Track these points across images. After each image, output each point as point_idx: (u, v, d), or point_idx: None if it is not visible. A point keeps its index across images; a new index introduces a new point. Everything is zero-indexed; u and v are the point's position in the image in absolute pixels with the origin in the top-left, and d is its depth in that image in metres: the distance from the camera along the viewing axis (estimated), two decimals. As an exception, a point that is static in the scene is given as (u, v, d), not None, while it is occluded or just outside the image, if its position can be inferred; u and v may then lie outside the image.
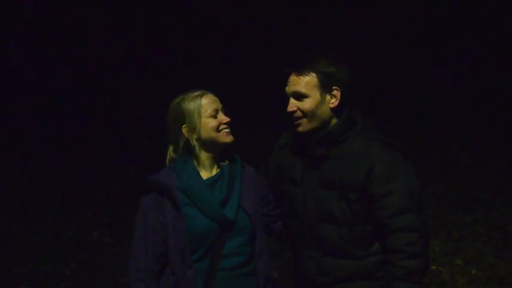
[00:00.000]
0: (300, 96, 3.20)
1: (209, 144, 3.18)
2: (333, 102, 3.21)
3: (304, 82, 3.19)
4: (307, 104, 3.19)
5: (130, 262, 3.19)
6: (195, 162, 3.19)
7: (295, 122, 3.22)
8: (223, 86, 3.30)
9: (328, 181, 3.20)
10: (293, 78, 3.22)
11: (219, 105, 3.21)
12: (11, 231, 7.67)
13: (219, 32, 12.30)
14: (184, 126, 3.17)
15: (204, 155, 3.19)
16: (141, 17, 12.18)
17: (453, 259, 6.71)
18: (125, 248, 6.91)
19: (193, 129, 3.16)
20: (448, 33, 12.40)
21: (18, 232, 7.66)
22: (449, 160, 10.17)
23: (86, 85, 11.53)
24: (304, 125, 3.21)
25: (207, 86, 3.27)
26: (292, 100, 3.22)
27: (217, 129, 3.17)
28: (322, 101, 3.20)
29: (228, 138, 3.19)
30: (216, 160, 3.22)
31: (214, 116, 3.18)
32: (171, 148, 3.25)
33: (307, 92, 3.19)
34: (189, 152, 3.20)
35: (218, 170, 3.21)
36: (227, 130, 3.19)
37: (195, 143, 3.17)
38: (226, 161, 3.24)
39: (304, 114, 3.19)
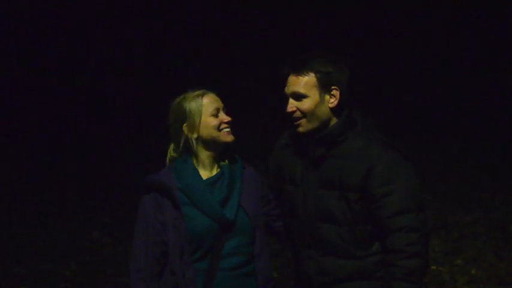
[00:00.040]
0: (299, 97, 3.20)
1: (210, 143, 3.18)
2: (332, 102, 3.20)
3: (303, 82, 3.19)
4: (306, 104, 3.19)
5: (131, 262, 3.19)
6: (195, 162, 3.19)
7: (295, 123, 3.22)
8: (223, 86, 3.29)
9: (328, 181, 3.20)
10: (292, 78, 3.22)
11: (220, 104, 3.21)
12: (11, 231, 7.66)
13: (219, 32, 12.30)
14: (185, 124, 3.18)
15: (204, 154, 3.19)
16: (141, 17, 12.18)
17: (453, 259, 6.71)
18: (125, 248, 6.91)
19: (194, 127, 3.16)
20: (448, 33, 12.40)
21: (18, 232, 7.65)
22: (449, 160, 10.17)
23: (86, 85, 11.53)
24: (304, 125, 3.21)
25: (207, 86, 3.28)
26: (291, 100, 3.22)
27: (218, 128, 3.17)
28: (322, 101, 3.20)
29: (229, 138, 3.19)
30: (217, 160, 3.22)
31: (216, 115, 3.18)
32: (171, 147, 3.25)
33: (306, 92, 3.19)
34: (189, 151, 3.20)
35: (218, 169, 3.21)
36: (228, 129, 3.19)
37: (195, 141, 3.17)
38: (227, 161, 3.24)
39: (304, 114, 3.19)
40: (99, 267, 6.78)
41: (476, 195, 8.69)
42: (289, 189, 3.31)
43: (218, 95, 3.24)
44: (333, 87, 3.20)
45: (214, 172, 3.20)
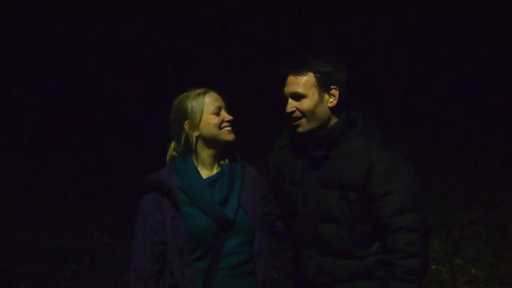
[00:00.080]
0: (298, 97, 3.20)
1: (210, 142, 3.18)
2: (332, 101, 3.21)
3: (302, 82, 3.19)
4: (305, 104, 3.19)
5: (131, 261, 3.20)
6: (195, 161, 3.19)
7: (295, 123, 3.22)
8: (223, 86, 3.29)
9: (328, 181, 3.20)
10: (291, 78, 3.22)
11: (222, 103, 3.22)
12: (11, 231, 7.67)
13: (219, 32, 12.31)
14: (186, 122, 3.18)
15: (205, 153, 3.19)
16: (141, 17, 12.18)
17: (453, 259, 6.72)
18: (125, 248, 6.91)
19: (195, 125, 3.17)
20: (448, 33, 12.40)
21: (18, 232, 7.66)
22: (449, 160, 10.18)
23: (86, 85, 11.53)
24: (304, 125, 3.21)
25: (209, 85, 3.28)
26: (290, 101, 3.22)
27: (220, 127, 3.17)
28: (321, 100, 3.20)
29: (230, 136, 3.19)
30: (217, 159, 3.22)
31: (217, 114, 3.18)
32: (172, 146, 3.25)
33: (305, 92, 3.19)
34: (189, 150, 3.20)
35: (218, 169, 3.21)
36: (229, 128, 3.19)
37: (196, 139, 3.17)
38: (227, 160, 3.24)
39: (303, 114, 3.19)
40: (99, 267, 6.78)
41: (476, 195, 8.70)
42: (289, 189, 3.31)
43: (220, 94, 3.24)
44: (332, 86, 3.20)
45: (215, 171, 3.20)
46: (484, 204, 8.33)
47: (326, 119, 3.21)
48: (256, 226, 3.20)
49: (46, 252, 7.12)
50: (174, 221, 3.11)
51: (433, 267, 6.40)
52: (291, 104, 3.21)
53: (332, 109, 3.21)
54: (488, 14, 12.13)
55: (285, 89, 3.24)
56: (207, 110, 3.17)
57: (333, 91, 3.20)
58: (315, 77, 3.19)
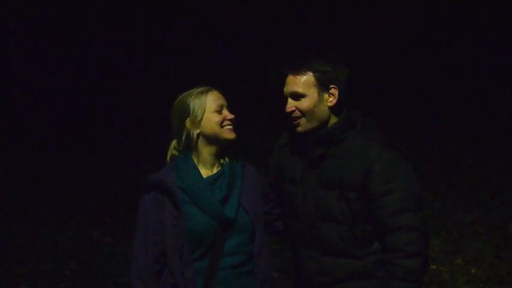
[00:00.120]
0: (297, 96, 3.20)
1: (211, 140, 3.18)
2: (331, 100, 3.20)
3: (302, 82, 3.19)
4: (305, 104, 3.19)
5: (131, 261, 3.20)
6: (195, 160, 3.19)
7: (294, 122, 3.22)
8: (224, 85, 3.29)
9: (328, 181, 3.20)
10: (290, 78, 3.22)
11: (224, 102, 3.22)
12: (11, 231, 7.67)
13: (219, 32, 12.31)
14: (188, 119, 3.18)
15: (206, 152, 3.19)
16: (141, 17, 12.18)
17: (453, 258, 6.72)
18: (125, 248, 6.91)
19: (197, 122, 3.16)
20: (448, 33, 12.40)
21: (18, 232, 7.66)
22: (449, 160, 10.18)
23: (86, 85, 11.53)
24: (303, 125, 3.21)
25: (211, 85, 3.28)
26: (290, 100, 3.22)
27: (221, 125, 3.17)
28: (320, 99, 3.20)
29: (231, 135, 3.19)
30: (217, 158, 3.21)
31: (219, 112, 3.18)
32: (172, 145, 3.25)
33: (305, 92, 3.19)
34: (190, 148, 3.20)
35: (219, 168, 3.21)
36: (230, 127, 3.19)
37: (197, 137, 3.17)
38: (227, 159, 3.24)
39: (303, 113, 3.19)
40: (99, 267, 6.78)
41: (476, 195, 8.70)
42: (289, 189, 3.31)
43: (222, 93, 3.24)
44: (331, 86, 3.20)
45: (215, 170, 3.20)
46: (484, 204, 8.32)
47: (326, 118, 3.21)
48: (257, 226, 3.20)
49: (46, 252, 7.12)
50: (174, 220, 3.11)
51: (433, 267, 6.40)
52: (291, 104, 3.21)
53: (332, 108, 3.21)
54: (489, 14, 12.14)
55: (285, 89, 3.24)
56: (209, 108, 3.17)
57: (332, 90, 3.20)
58: (314, 77, 3.19)
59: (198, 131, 3.17)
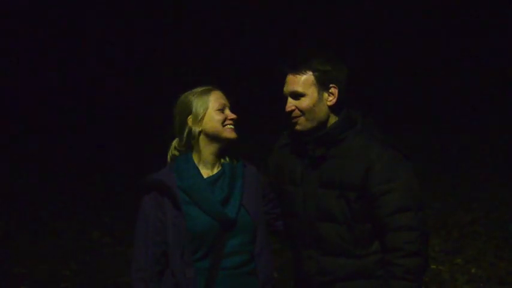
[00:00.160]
0: (297, 95, 3.20)
1: (213, 138, 3.18)
2: (331, 100, 3.20)
3: (301, 81, 3.19)
4: (304, 103, 3.19)
5: (132, 262, 3.19)
6: (196, 160, 3.19)
7: (293, 121, 3.22)
8: (224, 85, 3.30)
9: (328, 181, 3.20)
10: (290, 77, 3.22)
11: (226, 102, 3.22)
12: (11, 231, 7.67)
13: (219, 32, 12.31)
14: (190, 116, 3.18)
15: (207, 151, 3.19)
16: (141, 16, 12.18)
17: (453, 258, 6.72)
18: (125, 248, 6.92)
19: (198, 120, 3.16)
20: (448, 33, 12.40)
21: (18, 232, 7.66)
22: (449, 160, 10.18)
23: (86, 85, 11.54)
24: (303, 124, 3.20)
25: (213, 85, 3.28)
26: (290, 100, 3.22)
27: (223, 124, 3.17)
28: (320, 99, 3.20)
29: (233, 134, 3.19)
30: (218, 158, 3.21)
31: (221, 111, 3.19)
32: (173, 145, 3.25)
33: (305, 91, 3.19)
34: (191, 147, 3.19)
35: (219, 168, 3.21)
36: (232, 126, 3.19)
37: (198, 135, 3.17)
38: (228, 159, 3.24)
39: (303, 113, 3.19)
40: (99, 267, 6.78)
41: (476, 195, 8.70)
42: (289, 189, 3.31)
43: (225, 93, 3.25)
44: (331, 85, 3.20)
45: (216, 170, 3.20)
46: (484, 204, 8.33)
47: (325, 117, 3.21)
48: (258, 225, 3.20)
49: (46, 252, 7.12)
50: (174, 220, 3.10)
51: (433, 266, 6.40)
52: (291, 103, 3.21)
53: (331, 108, 3.21)
54: (489, 14, 12.14)
55: (284, 88, 3.24)
56: (212, 107, 3.18)
57: (332, 90, 3.20)
58: (314, 76, 3.19)
59: (200, 129, 3.17)
